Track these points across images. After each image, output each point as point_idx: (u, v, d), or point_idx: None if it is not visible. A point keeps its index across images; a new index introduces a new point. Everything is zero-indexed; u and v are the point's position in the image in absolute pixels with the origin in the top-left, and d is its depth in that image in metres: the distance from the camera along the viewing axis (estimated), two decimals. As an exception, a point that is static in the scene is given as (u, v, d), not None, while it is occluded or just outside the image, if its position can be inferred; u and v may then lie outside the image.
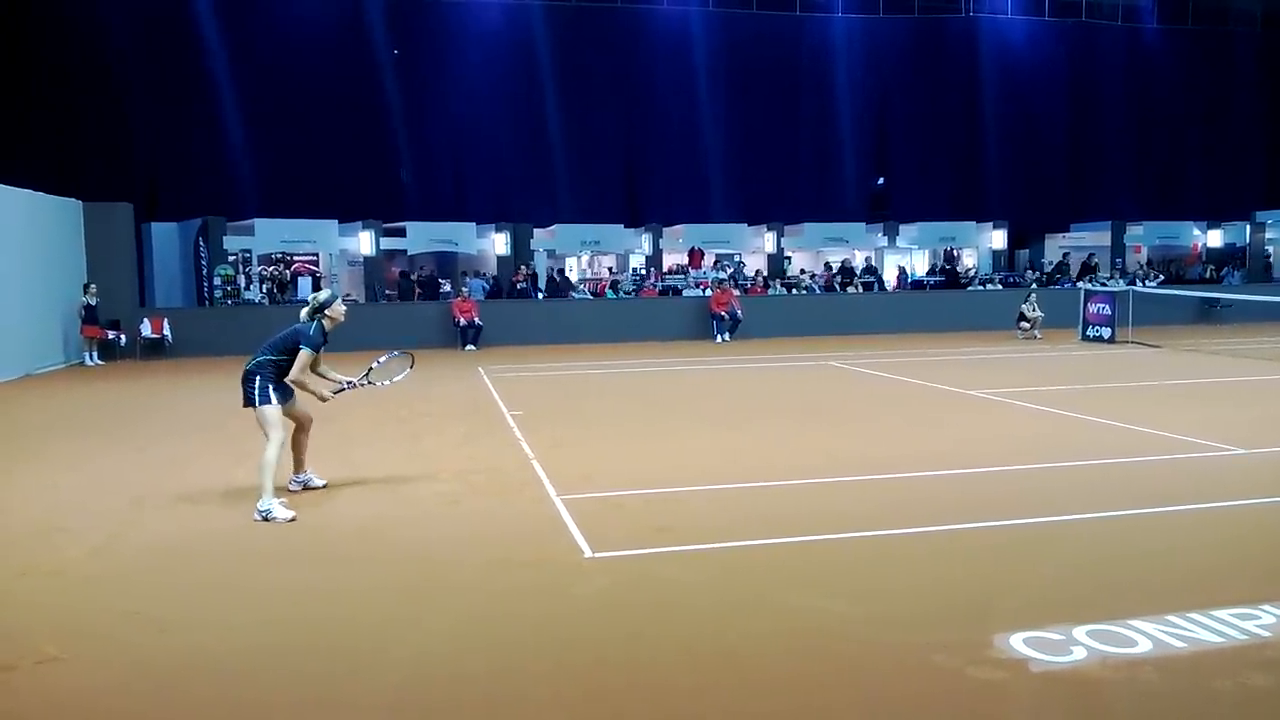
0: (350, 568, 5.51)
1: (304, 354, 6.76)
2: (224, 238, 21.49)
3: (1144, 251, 28.26)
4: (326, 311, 7.00)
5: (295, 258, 23.35)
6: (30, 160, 19.30)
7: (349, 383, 7.23)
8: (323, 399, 7.12)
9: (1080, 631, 4.33)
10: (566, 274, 24.42)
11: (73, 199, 18.42)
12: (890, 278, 26.53)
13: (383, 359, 7.66)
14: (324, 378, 7.16)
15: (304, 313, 7.04)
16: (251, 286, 21.74)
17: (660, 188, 28.79)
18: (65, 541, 6.09)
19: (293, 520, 6.44)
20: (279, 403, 6.82)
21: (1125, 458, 8.11)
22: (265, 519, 6.45)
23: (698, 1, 28.75)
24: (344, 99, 25.96)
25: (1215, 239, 28.29)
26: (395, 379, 7.60)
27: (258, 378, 6.77)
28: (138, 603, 4.96)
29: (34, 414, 12.05)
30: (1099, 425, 9.64)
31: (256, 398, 6.76)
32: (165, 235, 22.92)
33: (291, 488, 7.22)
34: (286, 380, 6.84)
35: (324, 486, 7.35)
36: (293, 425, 7.09)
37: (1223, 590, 4.86)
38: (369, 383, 7.40)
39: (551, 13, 27.65)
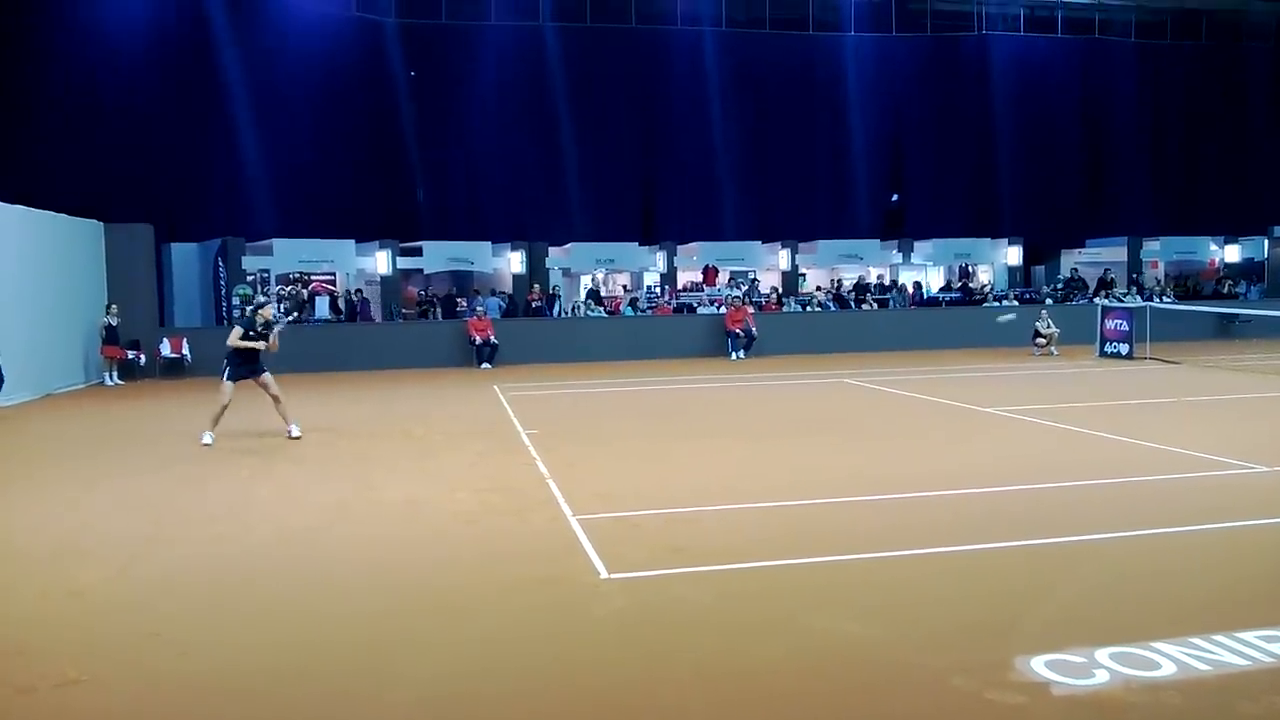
0: (367, 588, 5.52)
1: (236, 330, 10.68)
2: (243, 258, 21.66)
3: (1160, 267, 28.09)
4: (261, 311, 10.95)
5: (313, 277, 23.50)
6: (53, 183, 19.52)
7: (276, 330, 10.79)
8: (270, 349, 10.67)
9: (1102, 654, 4.28)
10: (593, 288, 24.52)
11: (94, 220, 18.63)
12: (909, 289, 26.40)
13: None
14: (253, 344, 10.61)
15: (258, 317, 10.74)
16: (269, 306, 21.86)
17: (675, 205, 28.85)
18: (85, 563, 6.12)
19: (207, 445, 10.17)
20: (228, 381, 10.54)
21: (1146, 476, 8.04)
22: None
23: (711, 21, 28.89)
24: (361, 120, 26.21)
25: (1233, 254, 28.08)
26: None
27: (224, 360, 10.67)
28: (157, 624, 4.97)
29: (55, 433, 12.15)
30: (1119, 443, 9.57)
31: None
32: (185, 256, 23.13)
33: (294, 433, 10.67)
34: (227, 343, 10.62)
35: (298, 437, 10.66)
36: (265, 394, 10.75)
37: (1248, 611, 4.80)
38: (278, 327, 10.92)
39: (566, 33, 27.85)
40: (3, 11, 20.91)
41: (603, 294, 24.12)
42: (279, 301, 21.89)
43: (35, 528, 7.11)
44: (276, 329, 10.79)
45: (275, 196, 24.57)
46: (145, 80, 22.88)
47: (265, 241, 22.40)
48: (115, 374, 17.89)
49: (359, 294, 22.53)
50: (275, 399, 10.73)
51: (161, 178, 23.00)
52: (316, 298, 22.10)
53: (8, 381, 13.23)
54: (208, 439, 10.34)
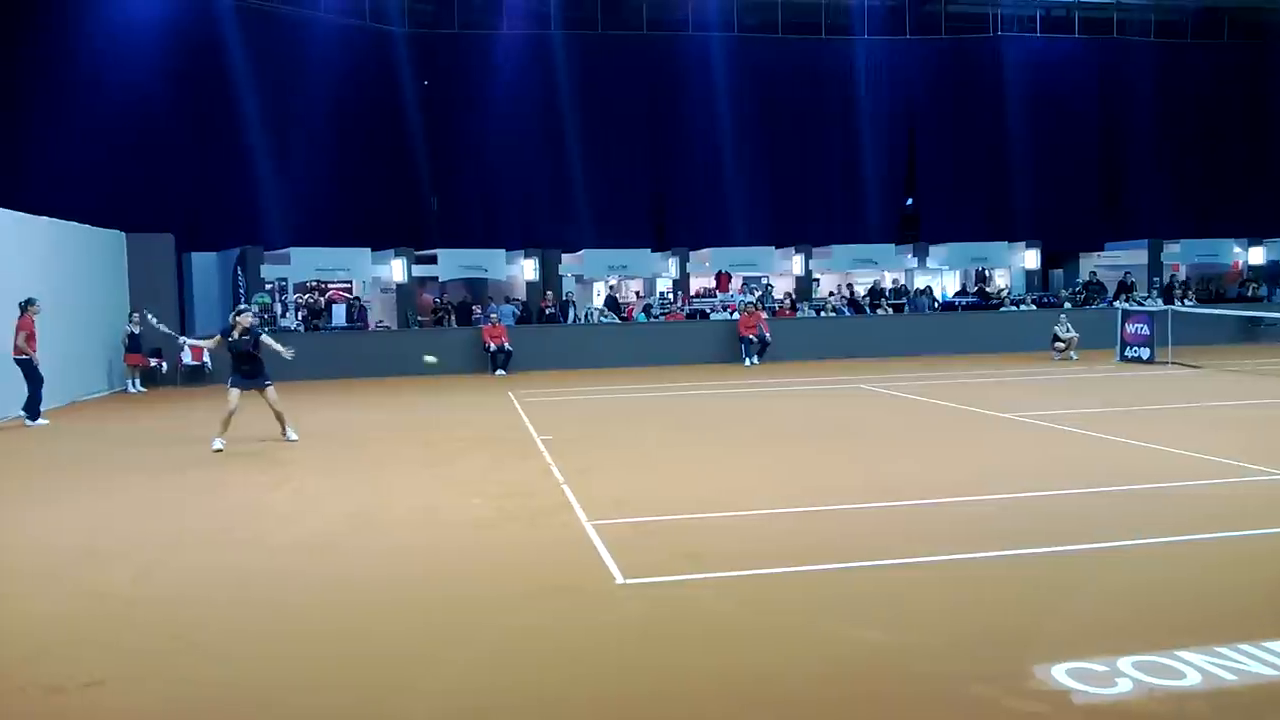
0: (383, 595, 5.53)
1: (216, 337, 11.25)
2: (261, 267, 21.80)
3: (1182, 270, 27.83)
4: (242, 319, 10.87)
5: (330, 286, 23.62)
6: (77, 194, 19.76)
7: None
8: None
9: (1125, 662, 4.23)
10: (614, 295, 24.52)
11: (116, 230, 18.82)
12: (937, 292, 26.25)
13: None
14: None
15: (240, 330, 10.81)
16: (288, 314, 22.00)
17: (687, 211, 28.87)
18: (110, 566, 6.18)
19: (219, 450, 10.31)
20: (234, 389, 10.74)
21: (1169, 482, 7.95)
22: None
23: (723, 27, 28.89)
24: (375, 129, 26.38)
25: (1257, 256, 27.77)
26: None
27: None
28: (180, 627, 5.00)
29: (79, 440, 12.25)
30: (1141, 449, 9.47)
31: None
32: (205, 265, 23.32)
33: (290, 436, 10.99)
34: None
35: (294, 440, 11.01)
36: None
37: (1275, 621, 4.72)
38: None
39: (577, 40, 27.93)
40: (23, 26, 21.16)
41: (620, 300, 24.05)
42: (298, 309, 22.05)
43: (60, 531, 7.17)
44: (261, 337, 10.84)
45: (292, 206, 24.75)
46: (164, 93, 23.08)
47: (283, 250, 22.54)
48: (138, 382, 18.03)
49: (356, 300, 22.57)
50: (277, 414, 10.96)
51: (181, 188, 23.21)
52: (334, 305, 22.21)
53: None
54: (218, 444, 10.45)
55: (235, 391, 10.67)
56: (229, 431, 10.59)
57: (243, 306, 11.64)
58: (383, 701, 4.11)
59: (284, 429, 11.06)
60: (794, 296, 24.91)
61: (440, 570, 6.02)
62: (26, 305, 13.31)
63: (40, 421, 13.29)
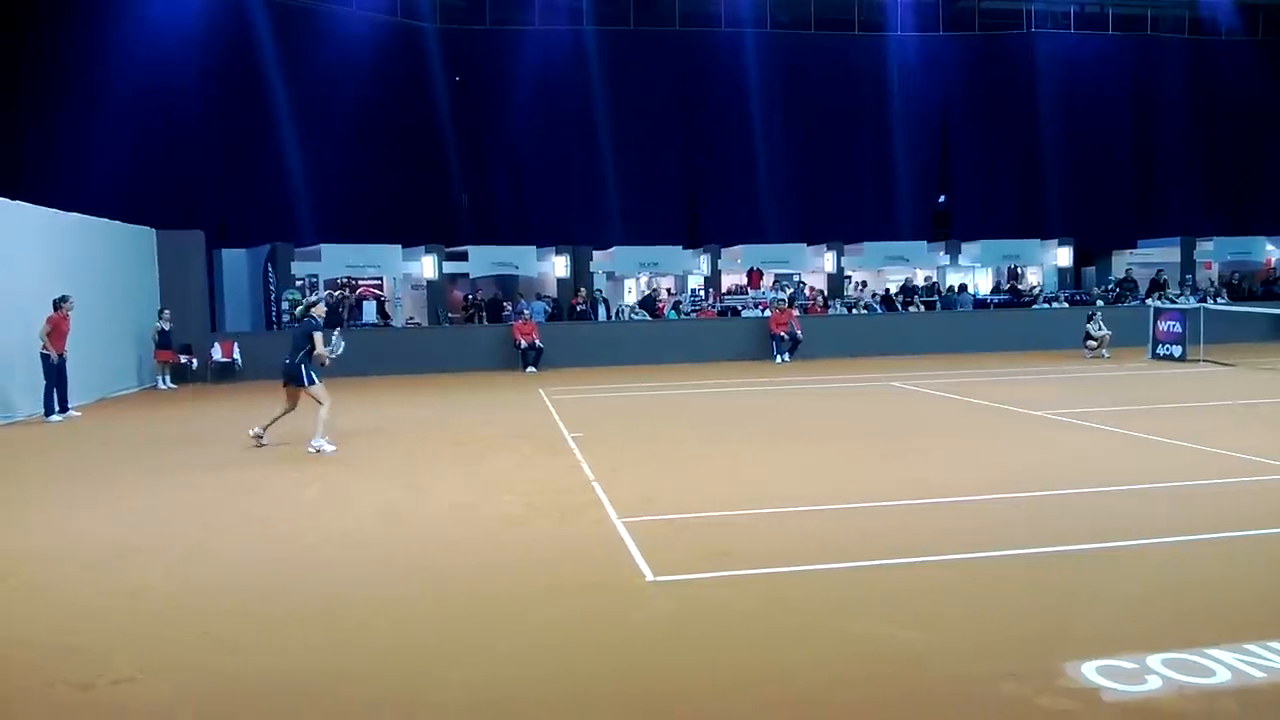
0: (413, 590, 5.60)
1: (319, 334, 10.19)
2: (292, 263, 22.01)
3: (1214, 267, 27.43)
4: (313, 311, 10.57)
5: (360, 282, 23.84)
6: (107, 191, 20.06)
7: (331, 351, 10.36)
8: (323, 362, 10.27)
9: (1155, 660, 4.20)
10: (652, 295, 24.56)
11: (147, 227, 19.08)
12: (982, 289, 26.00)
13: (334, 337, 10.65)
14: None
15: (301, 310, 10.84)
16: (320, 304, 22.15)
17: (719, 208, 28.85)
18: (141, 562, 6.27)
19: (335, 451, 9.98)
20: (320, 380, 10.25)
21: (1200, 480, 7.86)
22: (318, 451, 9.94)
23: (755, 23, 28.83)
24: (405, 126, 26.57)
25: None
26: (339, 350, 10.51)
27: (303, 367, 10.16)
28: (211, 623, 5.08)
29: (110, 436, 12.45)
30: (1172, 447, 9.37)
31: (306, 379, 10.17)
32: (235, 261, 23.59)
33: (266, 441, 10.48)
34: (315, 353, 10.14)
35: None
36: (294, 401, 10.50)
37: (1307, 620, 4.68)
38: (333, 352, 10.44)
39: (609, 37, 27.98)
40: (56, 25, 21.51)
41: (657, 301, 23.92)
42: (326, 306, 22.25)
43: (91, 528, 7.29)
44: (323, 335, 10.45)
45: (322, 202, 24.98)
46: (194, 89, 23.36)
47: (314, 247, 22.76)
48: (168, 378, 18.27)
49: (374, 298, 22.67)
50: (291, 410, 10.60)
51: (212, 184, 23.50)
52: (364, 302, 22.40)
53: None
54: (327, 446, 10.12)
55: (321, 385, 10.35)
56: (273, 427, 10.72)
57: (312, 299, 11.39)
58: (412, 693, 4.17)
59: (264, 428, 10.63)
60: (825, 294, 24.82)
61: (470, 566, 6.07)
62: (60, 303, 13.51)
63: (54, 417, 13.42)
